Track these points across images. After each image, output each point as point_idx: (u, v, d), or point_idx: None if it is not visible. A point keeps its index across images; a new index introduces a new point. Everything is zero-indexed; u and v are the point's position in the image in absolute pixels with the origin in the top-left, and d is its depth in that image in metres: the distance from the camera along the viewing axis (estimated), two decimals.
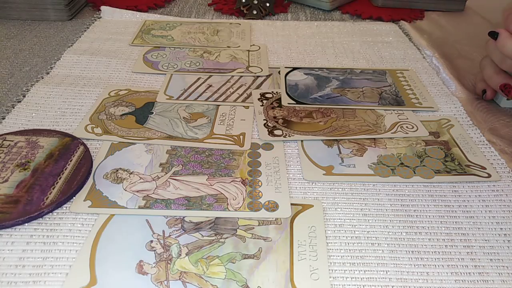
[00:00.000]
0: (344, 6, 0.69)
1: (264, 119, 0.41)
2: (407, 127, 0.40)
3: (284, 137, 0.38)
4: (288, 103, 0.43)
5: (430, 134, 0.39)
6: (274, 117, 0.41)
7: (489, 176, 0.35)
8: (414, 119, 0.42)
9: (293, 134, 0.39)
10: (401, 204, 0.33)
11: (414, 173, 0.35)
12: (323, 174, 0.35)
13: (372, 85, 0.47)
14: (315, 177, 0.34)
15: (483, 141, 0.39)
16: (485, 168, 0.35)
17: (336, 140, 0.38)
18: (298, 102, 0.43)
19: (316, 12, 0.68)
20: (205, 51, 0.53)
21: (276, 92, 0.45)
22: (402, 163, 0.36)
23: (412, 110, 0.43)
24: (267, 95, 0.45)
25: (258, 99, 0.44)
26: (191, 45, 0.55)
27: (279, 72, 0.49)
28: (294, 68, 0.50)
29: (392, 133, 0.39)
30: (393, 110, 0.43)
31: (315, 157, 0.36)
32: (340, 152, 0.37)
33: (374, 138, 0.38)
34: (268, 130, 0.39)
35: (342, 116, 0.41)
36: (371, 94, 0.45)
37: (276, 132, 0.39)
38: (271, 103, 0.43)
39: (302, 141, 0.38)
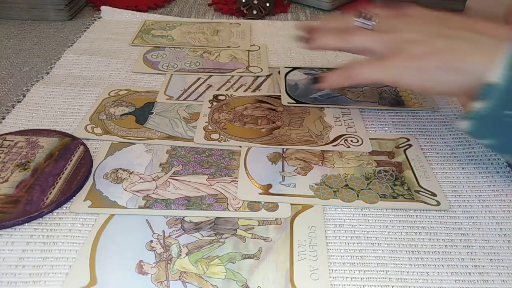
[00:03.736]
0: (344, 6, 0.69)
1: (206, 122, 0.40)
2: (351, 140, 0.38)
3: (219, 141, 0.38)
4: (288, 103, 0.43)
5: (384, 154, 0.37)
6: (217, 121, 0.40)
7: (438, 204, 0.32)
8: (363, 133, 0.39)
9: (229, 140, 0.38)
10: None
11: (358, 196, 0.32)
12: (259, 194, 0.33)
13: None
14: (251, 197, 0.32)
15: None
16: (436, 195, 0.33)
17: (283, 156, 0.36)
18: (298, 102, 0.43)
19: (316, 12, 0.68)
20: (205, 51, 0.53)
21: (230, 95, 0.44)
22: (346, 185, 0.33)
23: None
24: (220, 97, 0.44)
25: (209, 100, 0.43)
26: (191, 45, 0.55)
27: (279, 72, 0.49)
28: (294, 68, 0.50)
29: (332, 145, 0.38)
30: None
31: (254, 174, 0.34)
32: (283, 170, 0.35)
33: (323, 156, 0.36)
34: (205, 133, 0.38)
35: (288, 125, 0.40)
36: (371, 93, 0.45)
37: (213, 136, 0.38)
38: (221, 106, 0.42)
39: (246, 156, 0.36)
